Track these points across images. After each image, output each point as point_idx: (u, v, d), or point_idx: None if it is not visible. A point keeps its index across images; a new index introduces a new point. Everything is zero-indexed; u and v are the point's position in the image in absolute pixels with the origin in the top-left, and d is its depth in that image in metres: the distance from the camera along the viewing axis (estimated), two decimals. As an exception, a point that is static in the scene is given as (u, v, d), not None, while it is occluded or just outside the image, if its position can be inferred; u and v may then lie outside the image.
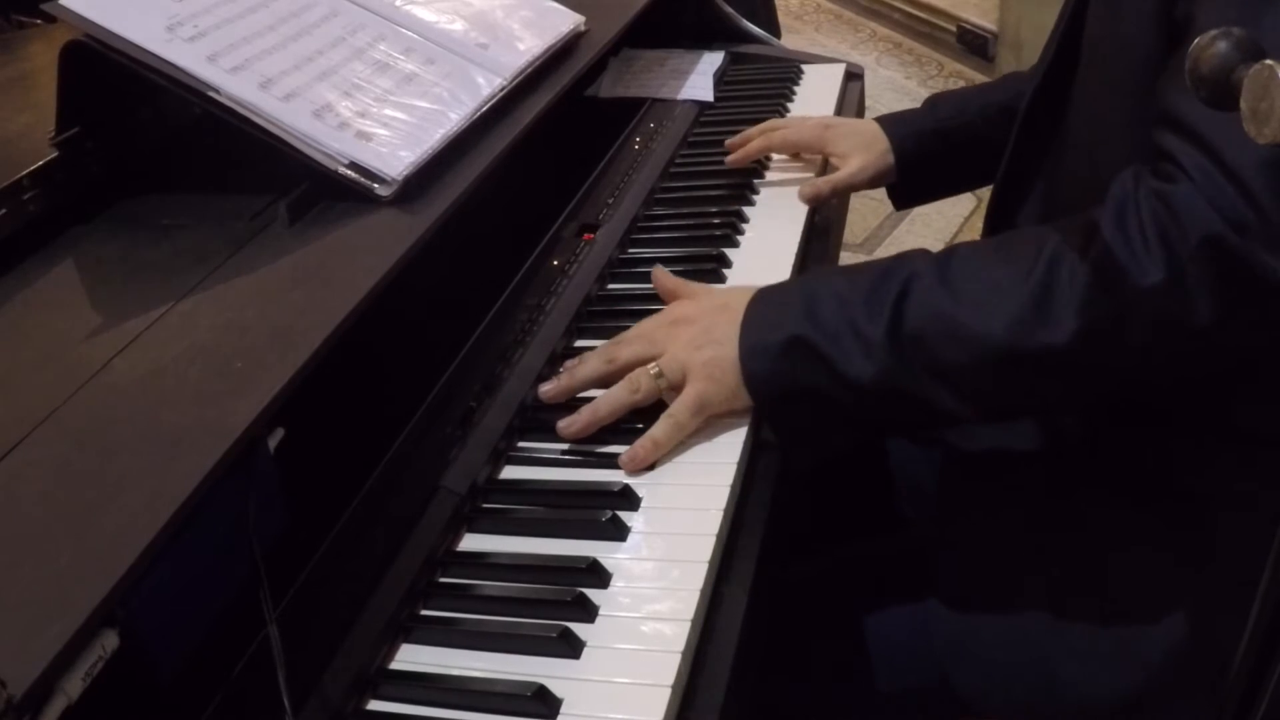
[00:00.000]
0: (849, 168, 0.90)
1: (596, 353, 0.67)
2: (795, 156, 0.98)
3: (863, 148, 0.90)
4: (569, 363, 0.69)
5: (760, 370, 0.61)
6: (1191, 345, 0.54)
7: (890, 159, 0.90)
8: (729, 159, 0.95)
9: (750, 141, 0.94)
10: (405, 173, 0.69)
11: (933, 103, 0.93)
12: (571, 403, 0.68)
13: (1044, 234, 0.57)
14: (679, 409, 0.63)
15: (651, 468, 0.65)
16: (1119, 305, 0.54)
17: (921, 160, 0.90)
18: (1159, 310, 0.53)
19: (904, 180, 0.92)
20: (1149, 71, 0.56)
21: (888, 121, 0.93)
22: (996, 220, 0.76)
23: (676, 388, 0.64)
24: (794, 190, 0.95)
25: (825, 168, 0.97)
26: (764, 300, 0.64)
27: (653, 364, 0.64)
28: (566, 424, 0.64)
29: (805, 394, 0.60)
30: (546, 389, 0.67)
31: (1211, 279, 0.51)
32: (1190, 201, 0.52)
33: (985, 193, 0.89)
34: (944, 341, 0.57)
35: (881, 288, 0.59)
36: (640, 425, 0.67)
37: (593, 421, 0.64)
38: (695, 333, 0.64)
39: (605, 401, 0.65)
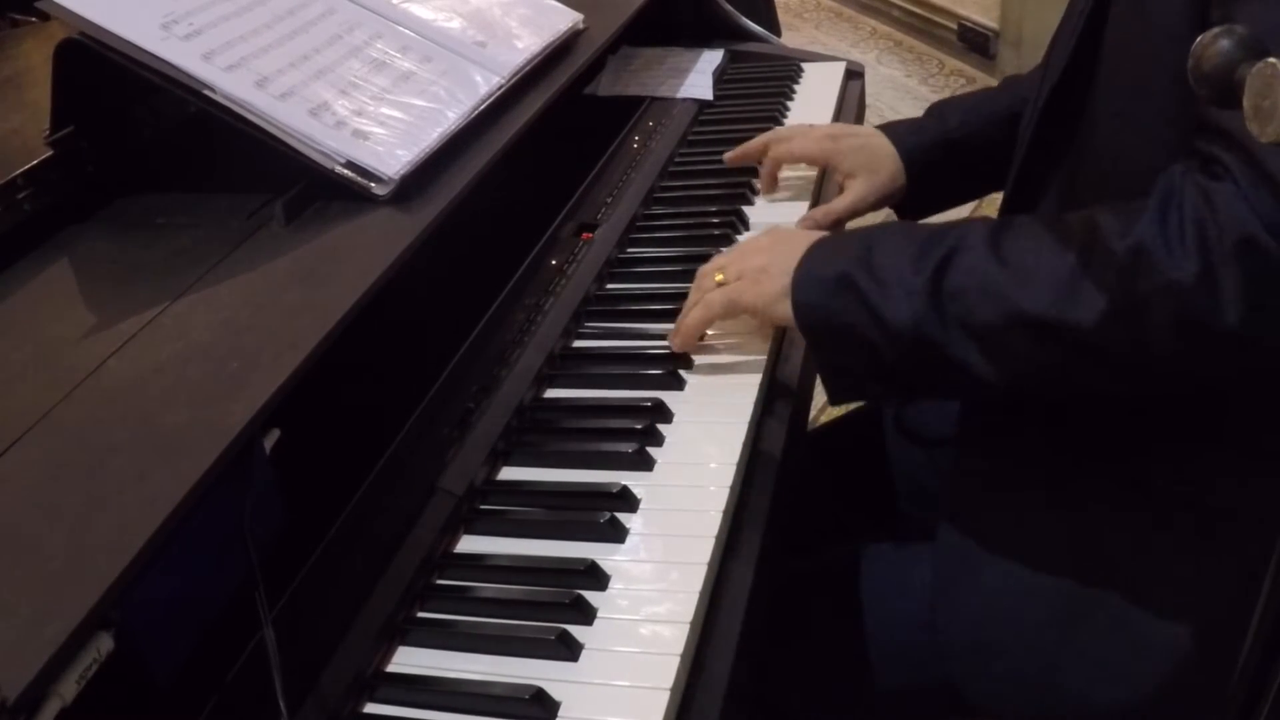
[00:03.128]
0: (851, 195, 0.89)
1: (691, 294, 0.74)
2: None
3: (870, 168, 0.89)
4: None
5: (807, 299, 0.65)
6: (1215, 347, 0.54)
7: (900, 180, 0.89)
8: (727, 156, 0.94)
9: (751, 148, 0.93)
10: (402, 172, 0.69)
11: (940, 112, 0.91)
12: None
13: (1094, 214, 0.58)
14: (714, 296, 0.70)
15: (651, 469, 0.65)
16: (1147, 293, 0.54)
17: (933, 173, 0.89)
18: (1186, 305, 0.53)
19: (914, 195, 0.90)
20: (1179, 77, 0.55)
21: (896, 134, 0.90)
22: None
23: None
24: (794, 189, 0.94)
25: (822, 175, 0.95)
26: (829, 239, 0.69)
27: (718, 271, 0.71)
28: (672, 341, 0.73)
29: (844, 330, 0.63)
30: (673, 338, 0.74)
31: (1242, 280, 0.51)
32: (1231, 200, 0.52)
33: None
34: (979, 299, 0.59)
35: (935, 243, 0.61)
36: (639, 426, 0.67)
37: (687, 333, 0.72)
38: (768, 242, 0.71)
39: (686, 316, 0.72)
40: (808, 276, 0.65)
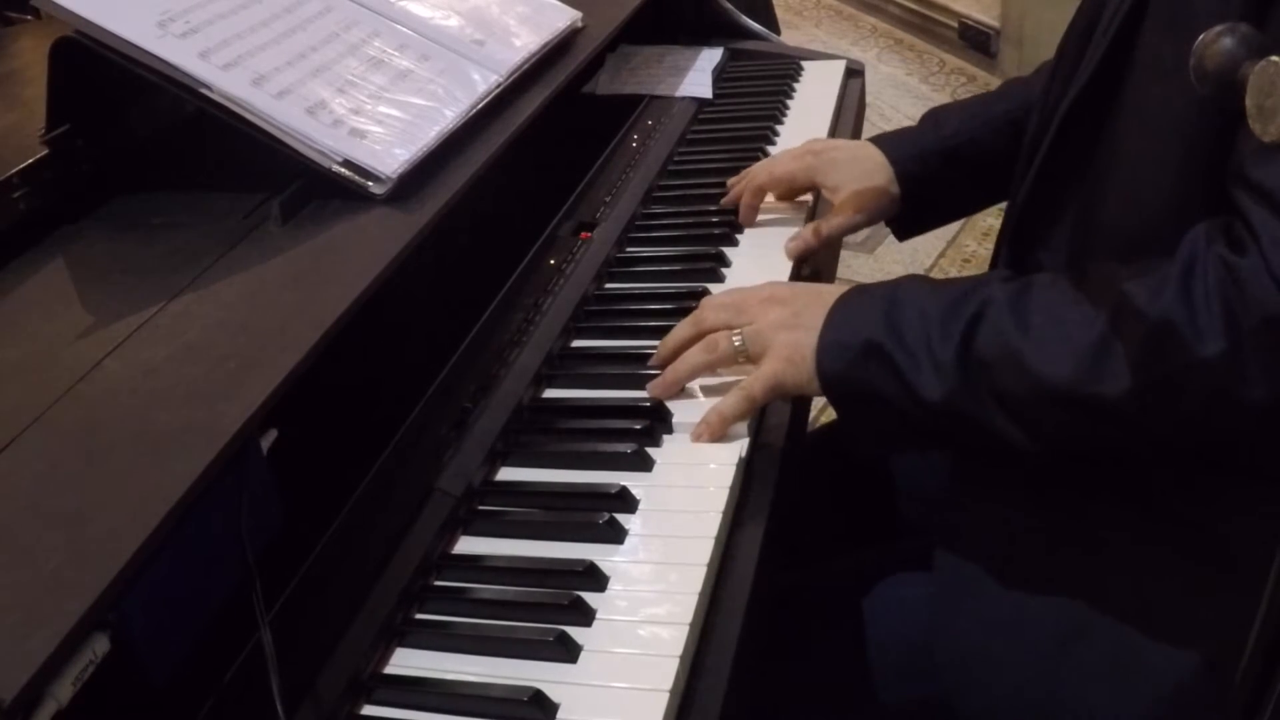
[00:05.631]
0: (842, 213, 0.85)
1: (685, 319, 0.70)
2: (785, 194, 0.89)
3: (860, 180, 0.84)
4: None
5: (835, 368, 0.62)
6: (1243, 421, 0.53)
7: (893, 190, 0.84)
8: (724, 202, 0.90)
9: (736, 191, 0.88)
10: (400, 171, 0.69)
11: (935, 119, 0.87)
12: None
13: (1116, 280, 0.56)
14: (753, 384, 0.65)
15: (650, 470, 0.64)
16: (1174, 371, 0.53)
17: (929, 184, 0.85)
18: (1214, 382, 0.52)
19: (910, 209, 0.86)
20: (1211, 113, 0.54)
21: (888, 144, 0.85)
22: (1020, 245, 0.71)
23: (753, 361, 0.66)
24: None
25: (817, 197, 0.90)
26: (851, 299, 0.65)
27: (735, 332, 0.66)
28: (652, 386, 0.68)
29: (875, 398, 0.61)
30: (653, 361, 0.70)
31: (1270, 358, 0.50)
32: (1257, 276, 0.50)
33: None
34: (1007, 371, 0.57)
35: (958, 308, 0.60)
36: (638, 426, 0.67)
37: (675, 381, 0.68)
38: (785, 314, 0.65)
39: (684, 362, 0.67)
40: (833, 344, 0.62)
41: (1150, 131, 0.60)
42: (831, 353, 0.62)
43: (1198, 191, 0.57)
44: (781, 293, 0.68)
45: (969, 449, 0.66)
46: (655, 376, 0.70)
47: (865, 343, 0.61)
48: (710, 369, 0.67)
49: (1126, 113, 0.62)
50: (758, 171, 0.88)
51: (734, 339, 0.66)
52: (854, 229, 0.87)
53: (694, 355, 0.67)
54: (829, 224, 0.85)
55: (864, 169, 0.85)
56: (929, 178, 0.85)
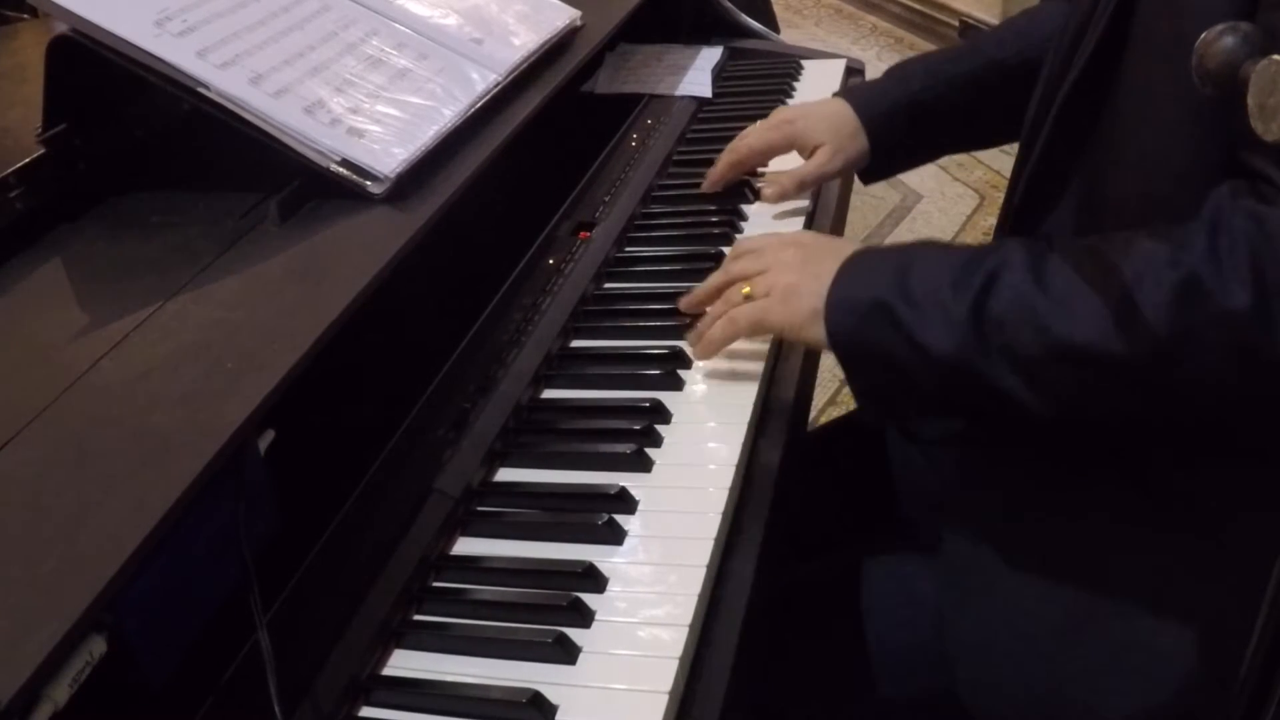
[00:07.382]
0: (817, 160, 0.88)
1: (720, 268, 0.74)
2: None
3: (833, 133, 0.88)
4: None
5: (842, 325, 0.63)
6: (1267, 376, 0.53)
7: (862, 141, 0.88)
8: (705, 187, 0.91)
9: (718, 170, 0.91)
10: (398, 170, 0.69)
11: (901, 75, 0.89)
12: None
13: (1137, 240, 0.56)
14: (740, 312, 0.68)
15: (649, 470, 0.64)
16: (1199, 325, 0.53)
17: (894, 137, 0.88)
18: (1239, 336, 0.52)
19: (876, 158, 0.89)
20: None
21: (855, 99, 0.89)
22: (1020, 226, 0.72)
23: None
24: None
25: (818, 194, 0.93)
26: (862, 258, 0.66)
27: (746, 283, 0.69)
28: (693, 341, 0.72)
29: (880, 356, 0.62)
30: (683, 299, 0.75)
31: None
32: None
33: (989, 190, 0.87)
34: (1022, 330, 0.57)
35: (973, 267, 0.60)
36: (637, 427, 0.67)
37: (710, 347, 0.71)
38: (799, 258, 0.68)
39: (707, 321, 0.71)
40: (842, 302, 0.63)
41: (1154, 107, 0.60)
42: (840, 309, 0.63)
43: (1206, 162, 0.57)
44: (803, 238, 0.73)
45: (976, 415, 0.66)
46: (656, 376, 0.71)
47: (873, 301, 0.61)
48: (736, 334, 0.70)
49: (1128, 90, 0.62)
50: (737, 146, 0.90)
51: (744, 291, 0.69)
52: (831, 174, 0.89)
53: (715, 313, 0.70)
54: (806, 170, 0.88)
55: (835, 124, 0.88)
56: (895, 131, 0.88)
